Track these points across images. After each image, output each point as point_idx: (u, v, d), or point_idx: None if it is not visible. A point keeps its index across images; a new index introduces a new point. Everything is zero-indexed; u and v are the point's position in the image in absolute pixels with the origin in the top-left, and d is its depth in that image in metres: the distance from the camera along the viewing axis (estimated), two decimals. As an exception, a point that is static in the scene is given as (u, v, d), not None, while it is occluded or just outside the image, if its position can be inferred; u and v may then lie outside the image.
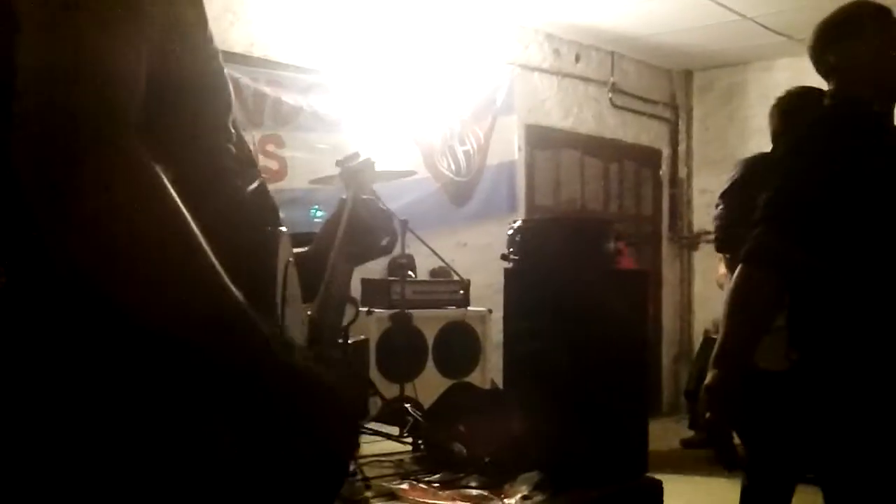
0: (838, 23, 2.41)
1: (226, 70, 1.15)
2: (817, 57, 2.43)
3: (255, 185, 1.20)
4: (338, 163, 1.75)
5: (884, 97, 2.36)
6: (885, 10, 2.39)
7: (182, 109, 1.05)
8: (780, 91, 3.65)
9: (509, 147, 6.90)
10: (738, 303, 2.32)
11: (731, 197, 3.63)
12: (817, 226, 2.20)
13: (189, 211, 0.92)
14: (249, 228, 1.14)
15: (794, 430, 2.89)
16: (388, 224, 1.63)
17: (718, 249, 3.99)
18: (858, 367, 2.15)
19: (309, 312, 1.33)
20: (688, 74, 8.56)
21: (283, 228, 1.22)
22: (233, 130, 1.17)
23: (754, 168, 3.58)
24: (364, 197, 1.61)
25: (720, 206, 3.74)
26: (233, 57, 5.30)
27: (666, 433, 6.62)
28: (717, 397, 2.27)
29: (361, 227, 1.55)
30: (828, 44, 2.41)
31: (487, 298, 5.79)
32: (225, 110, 1.15)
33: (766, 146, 3.65)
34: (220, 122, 1.14)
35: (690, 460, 6.07)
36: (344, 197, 1.62)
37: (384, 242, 1.63)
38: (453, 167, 6.50)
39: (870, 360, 2.13)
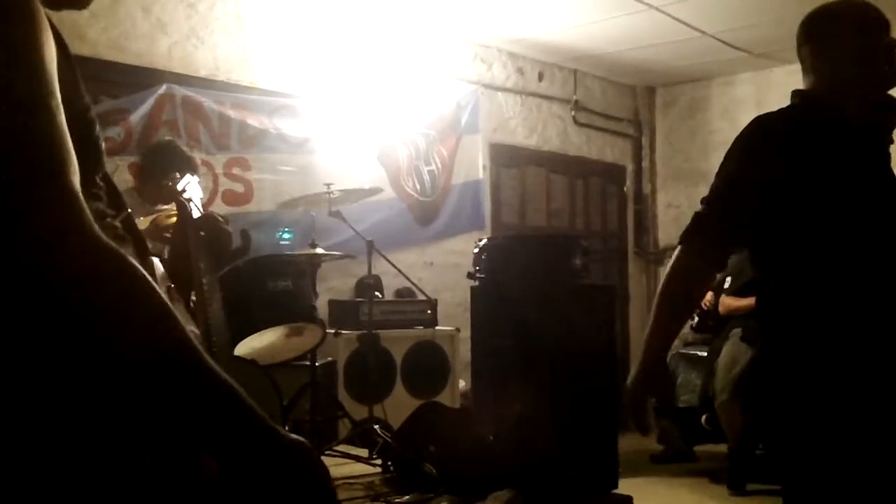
0: (818, 19, 2.37)
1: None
2: (798, 50, 2.42)
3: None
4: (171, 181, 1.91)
5: (855, 97, 2.32)
6: (868, 12, 2.33)
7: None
8: (741, 105, 3.68)
9: (474, 166, 6.93)
10: (669, 279, 2.30)
11: None
12: (750, 222, 2.23)
13: None
14: None
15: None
16: (224, 230, 1.73)
17: None
18: (815, 373, 2.16)
19: (195, 330, 1.28)
20: (650, 91, 8.64)
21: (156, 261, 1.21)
22: (101, 184, 1.09)
23: None
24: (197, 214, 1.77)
25: None
26: (198, 81, 5.31)
27: (635, 448, 6.62)
28: (642, 375, 2.25)
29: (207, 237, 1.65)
30: (806, 39, 2.39)
31: (455, 317, 5.80)
32: (94, 165, 1.06)
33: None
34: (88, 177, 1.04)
35: (660, 475, 6.09)
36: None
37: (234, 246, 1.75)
38: (419, 187, 6.52)
39: (827, 365, 2.14)
